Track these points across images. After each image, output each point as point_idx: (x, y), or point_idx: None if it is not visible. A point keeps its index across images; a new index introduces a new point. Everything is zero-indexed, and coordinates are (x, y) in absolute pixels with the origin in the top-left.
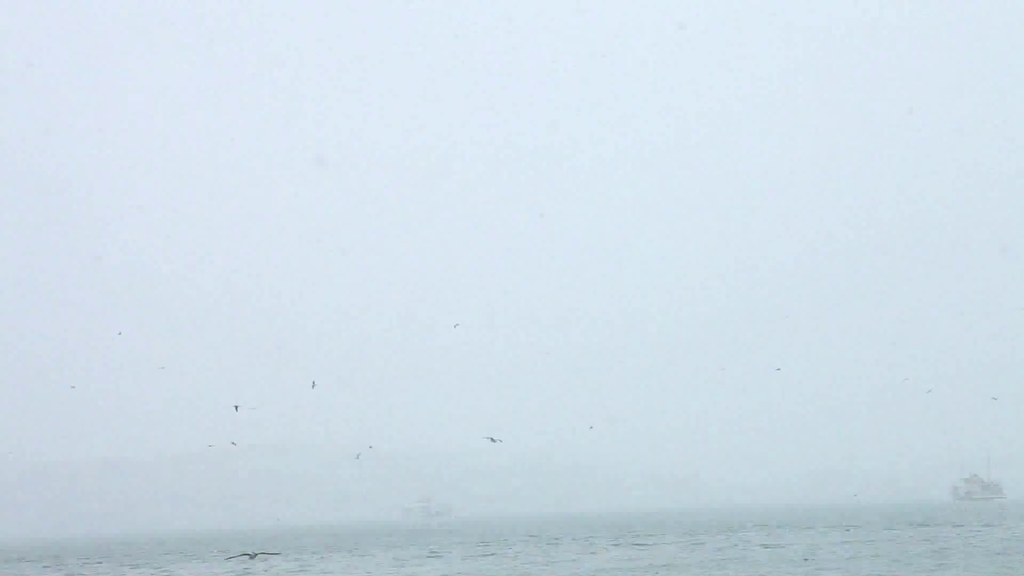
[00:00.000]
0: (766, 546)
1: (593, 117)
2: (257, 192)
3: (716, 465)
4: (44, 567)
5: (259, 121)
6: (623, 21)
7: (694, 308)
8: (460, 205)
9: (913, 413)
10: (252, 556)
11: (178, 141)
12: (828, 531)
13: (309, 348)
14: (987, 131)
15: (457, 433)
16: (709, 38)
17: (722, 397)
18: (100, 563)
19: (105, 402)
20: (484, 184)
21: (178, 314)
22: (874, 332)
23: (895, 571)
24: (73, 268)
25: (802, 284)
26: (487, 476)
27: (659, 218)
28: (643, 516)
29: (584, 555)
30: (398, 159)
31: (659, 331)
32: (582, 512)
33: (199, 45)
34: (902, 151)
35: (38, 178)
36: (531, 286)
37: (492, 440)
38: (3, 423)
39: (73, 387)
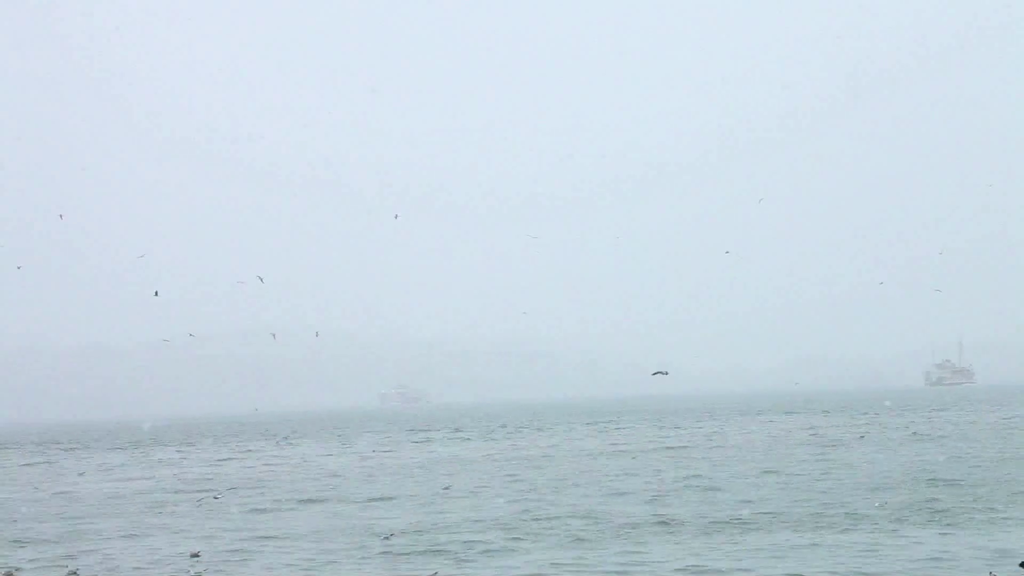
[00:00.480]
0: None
1: None
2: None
3: (692, 354)
4: (31, 450)
5: None
6: None
7: (676, 198)
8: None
9: (890, 302)
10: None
11: None
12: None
13: (293, 238)
14: None
15: (434, 320)
16: None
17: (699, 287)
18: (80, 448)
19: (88, 289)
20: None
21: (159, 203)
22: (852, 224)
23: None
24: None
25: (780, 159)
26: (463, 362)
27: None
28: (625, 403)
29: (586, 438)
30: None
31: (638, 220)
32: (559, 398)
33: None
34: None
35: None
36: (505, 175)
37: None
38: None
39: (53, 272)
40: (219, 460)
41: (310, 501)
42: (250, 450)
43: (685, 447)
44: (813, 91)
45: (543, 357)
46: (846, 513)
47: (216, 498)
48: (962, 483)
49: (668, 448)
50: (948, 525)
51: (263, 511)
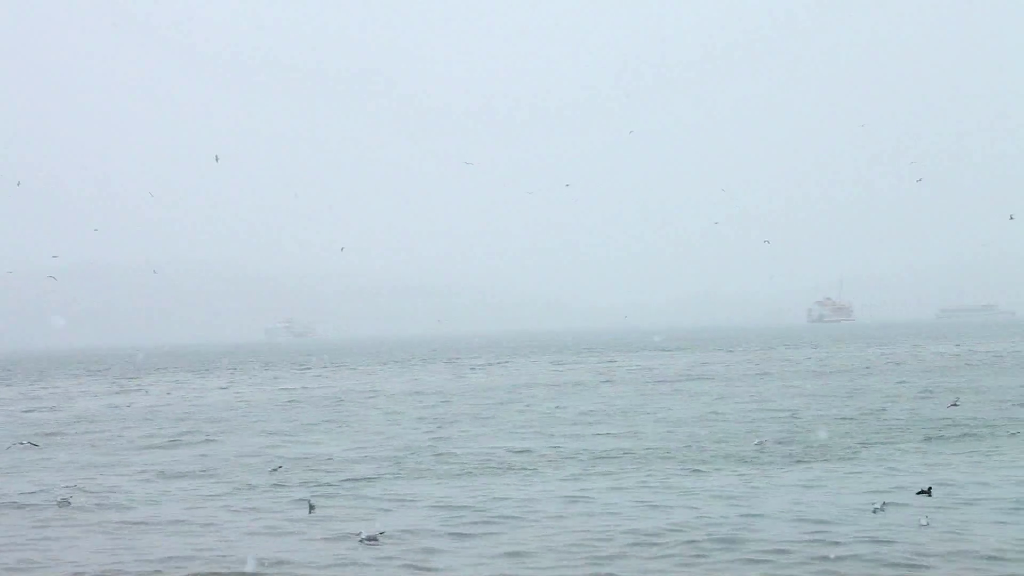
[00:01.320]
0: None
1: None
2: None
3: (585, 290)
4: None
5: None
6: None
7: (570, 138)
8: None
9: (778, 242)
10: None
11: None
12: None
13: (189, 171)
14: None
15: (324, 254)
16: None
17: (591, 224)
18: None
19: None
20: None
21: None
22: (751, 157)
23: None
24: None
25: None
26: (355, 297)
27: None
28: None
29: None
30: None
31: (532, 154)
32: (452, 333)
33: None
34: None
35: None
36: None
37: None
38: None
39: None
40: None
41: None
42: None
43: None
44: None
45: (436, 293)
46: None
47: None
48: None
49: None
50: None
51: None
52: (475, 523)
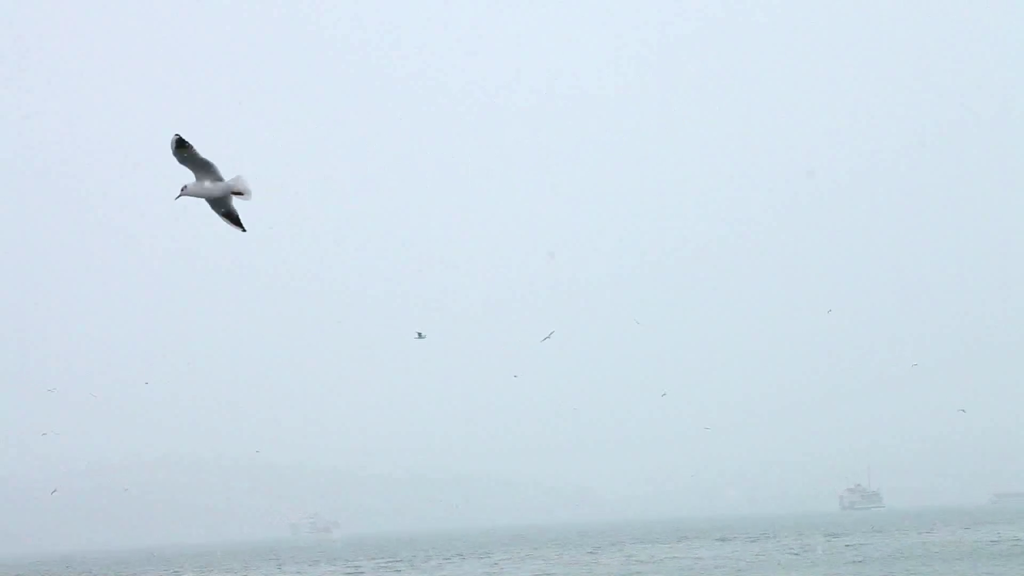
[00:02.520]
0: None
1: None
2: None
3: (608, 478)
4: None
5: None
6: None
7: (577, 312)
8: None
9: (800, 427)
10: None
11: None
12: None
13: (199, 365)
14: None
15: (344, 449)
16: None
17: (612, 411)
18: None
19: None
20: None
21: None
22: (762, 346)
23: None
24: None
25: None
26: (375, 489)
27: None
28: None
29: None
30: None
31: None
32: (480, 526)
33: None
34: None
35: None
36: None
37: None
38: None
39: None
40: None
41: None
42: None
43: None
44: None
45: (461, 483)
46: None
47: None
48: None
49: None
50: None
51: None
52: None
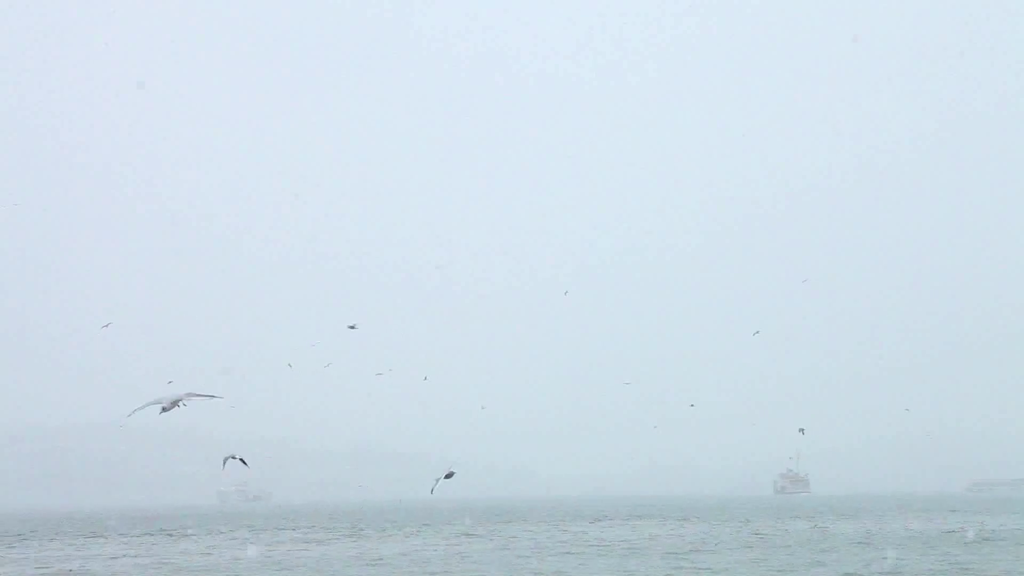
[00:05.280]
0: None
1: None
2: None
3: (549, 457)
4: None
5: None
6: None
7: (525, 297)
8: None
9: (740, 414)
10: None
11: None
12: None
13: (140, 332)
14: None
15: (284, 419)
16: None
17: (561, 393)
18: None
19: None
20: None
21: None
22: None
23: None
24: None
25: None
26: (314, 462)
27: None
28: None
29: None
30: None
31: (493, 326)
32: (414, 499)
33: None
34: None
35: None
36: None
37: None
38: None
39: None
40: None
41: None
42: None
43: None
44: None
45: (398, 459)
46: None
47: None
48: None
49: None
50: None
51: None
52: None
